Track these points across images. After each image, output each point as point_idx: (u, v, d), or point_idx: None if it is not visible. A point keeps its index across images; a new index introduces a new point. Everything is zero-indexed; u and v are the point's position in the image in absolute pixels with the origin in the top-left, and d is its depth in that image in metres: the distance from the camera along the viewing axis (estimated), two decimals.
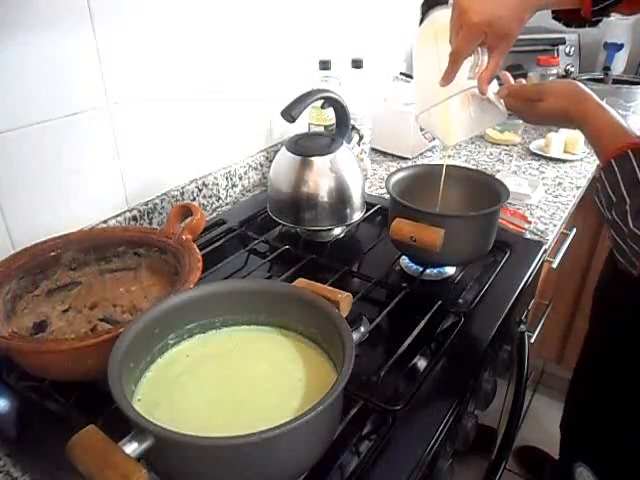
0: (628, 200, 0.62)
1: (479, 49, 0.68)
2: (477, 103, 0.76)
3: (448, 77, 0.69)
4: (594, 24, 0.75)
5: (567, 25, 0.79)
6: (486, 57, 0.69)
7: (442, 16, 0.70)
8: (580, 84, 0.73)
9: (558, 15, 0.77)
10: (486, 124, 0.80)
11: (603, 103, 0.71)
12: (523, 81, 0.80)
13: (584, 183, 1.29)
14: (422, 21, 0.78)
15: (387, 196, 0.90)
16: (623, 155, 0.63)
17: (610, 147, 0.67)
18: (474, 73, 0.70)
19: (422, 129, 1.36)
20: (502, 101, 0.76)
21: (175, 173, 1.05)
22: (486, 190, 0.90)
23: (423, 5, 0.76)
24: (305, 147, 0.97)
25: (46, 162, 0.82)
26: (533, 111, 0.75)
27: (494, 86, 0.76)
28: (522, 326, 0.99)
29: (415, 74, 0.81)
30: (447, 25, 0.68)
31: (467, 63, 0.69)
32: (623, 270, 0.69)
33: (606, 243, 1.48)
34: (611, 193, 0.64)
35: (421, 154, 1.45)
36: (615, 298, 0.98)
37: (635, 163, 0.62)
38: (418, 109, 0.78)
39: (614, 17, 0.80)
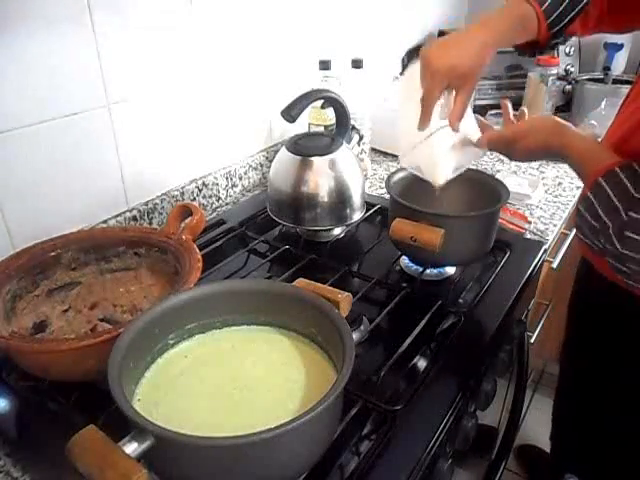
0: (610, 224, 0.62)
1: (446, 92, 0.73)
2: (460, 143, 0.80)
3: (424, 121, 0.75)
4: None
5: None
6: (452, 98, 0.73)
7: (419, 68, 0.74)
8: (556, 118, 0.74)
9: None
10: (468, 162, 0.84)
11: (579, 131, 0.72)
12: (509, 106, 0.82)
13: None
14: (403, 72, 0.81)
15: (387, 196, 0.90)
16: (595, 184, 0.64)
17: (585, 179, 0.68)
18: (445, 113, 0.75)
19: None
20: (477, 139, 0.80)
21: (175, 173, 1.05)
22: (486, 190, 0.90)
23: (404, 57, 0.79)
24: (305, 147, 0.97)
25: (46, 162, 0.82)
26: (515, 152, 0.77)
27: (472, 125, 0.80)
28: (522, 326, 1.00)
29: (398, 123, 0.85)
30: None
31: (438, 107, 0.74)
32: None
33: None
34: (594, 222, 0.65)
35: None
36: (590, 299, 0.98)
37: (607, 188, 0.63)
38: (402, 153, 0.84)
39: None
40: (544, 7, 0.70)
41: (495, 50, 0.72)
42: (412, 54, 0.78)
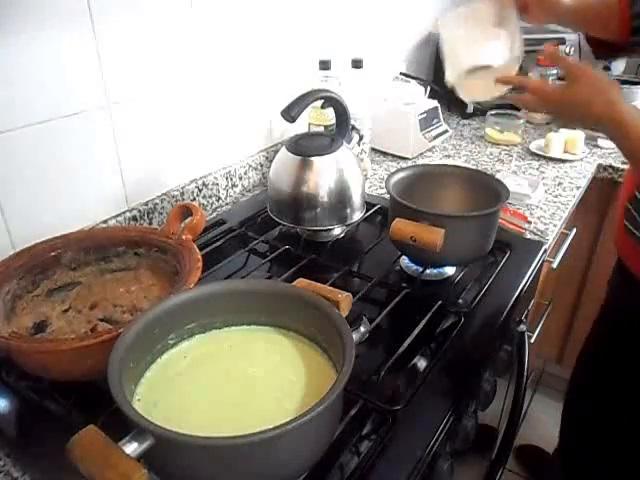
0: None
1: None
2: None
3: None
4: (631, 51, 0.80)
5: (610, 57, 0.83)
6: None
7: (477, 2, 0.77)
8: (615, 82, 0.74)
9: (598, 51, 0.79)
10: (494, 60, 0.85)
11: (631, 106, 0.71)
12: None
13: (584, 183, 1.29)
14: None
15: (387, 196, 0.90)
16: None
17: None
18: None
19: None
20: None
21: (175, 173, 1.05)
22: (486, 190, 0.90)
23: None
24: (305, 147, 0.97)
25: (46, 162, 0.82)
26: (555, 109, 0.79)
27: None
28: (522, 326, 0.99)
29: (445, 45, 0.85)
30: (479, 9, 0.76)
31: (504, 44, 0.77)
32: None
33: (606, 244, 1.48)
34: None
35: (421, 154, 1.45)
36: (626, 308, 0.96)
37: None
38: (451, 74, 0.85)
39: None
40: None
41: None
42: None
